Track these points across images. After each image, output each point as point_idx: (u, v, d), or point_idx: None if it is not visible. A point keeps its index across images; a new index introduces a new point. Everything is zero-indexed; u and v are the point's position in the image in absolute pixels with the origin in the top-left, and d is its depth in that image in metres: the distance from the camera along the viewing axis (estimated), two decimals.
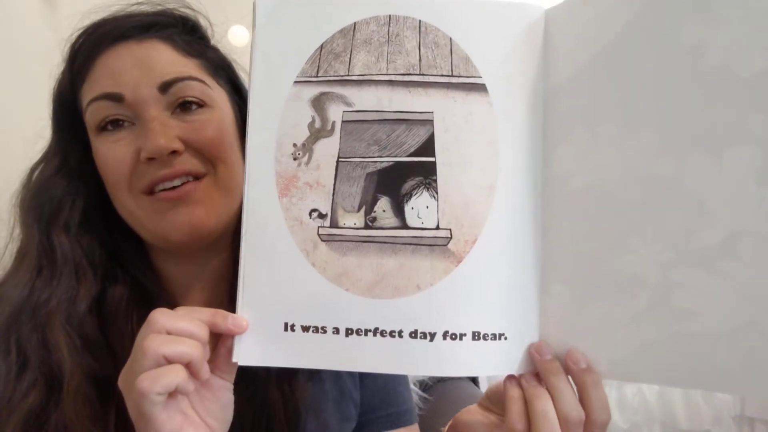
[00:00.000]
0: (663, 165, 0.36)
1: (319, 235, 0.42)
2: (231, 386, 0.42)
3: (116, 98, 0.49)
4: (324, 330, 0.41)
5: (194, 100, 0.51)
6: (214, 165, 0.52)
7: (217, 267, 0.56)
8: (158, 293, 0.54)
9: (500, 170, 0.42)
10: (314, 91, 0.43)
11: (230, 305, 0.59)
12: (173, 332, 0.38)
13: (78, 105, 0.53)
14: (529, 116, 0.42)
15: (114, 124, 0.50)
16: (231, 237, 0.55)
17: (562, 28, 0.41)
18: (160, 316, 0.38)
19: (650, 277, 0.36)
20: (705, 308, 0.35)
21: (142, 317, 0.47)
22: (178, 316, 0.39)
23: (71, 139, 0.53)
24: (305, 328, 0.41)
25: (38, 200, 0.52)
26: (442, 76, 0.42)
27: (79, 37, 0.52)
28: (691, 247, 0.35)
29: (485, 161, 0.42)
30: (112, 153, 0.50)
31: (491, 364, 0.41)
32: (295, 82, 0.43)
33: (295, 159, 0.43)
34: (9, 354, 0.48)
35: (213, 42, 0.59)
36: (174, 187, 0.50)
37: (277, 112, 0.43)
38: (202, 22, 0.57)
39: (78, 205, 0.52)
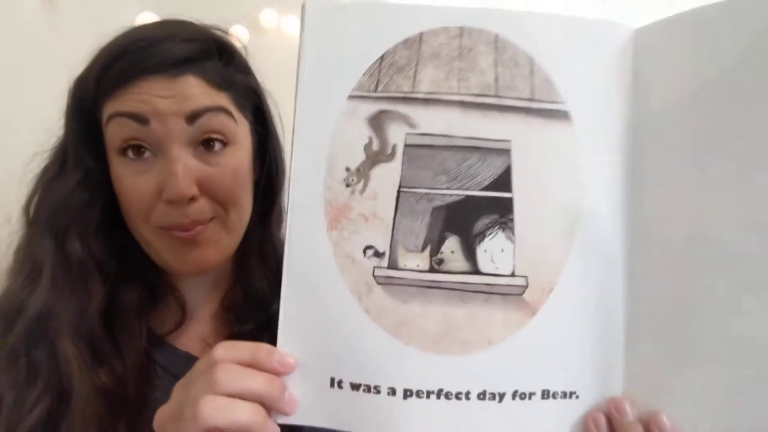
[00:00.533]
0: None
1: (374, 276, 0.36)
2: None
3: (142, 120, 0.48)
4: (378, 390, 0.35)
5: (218, 137, 0.51)
6: (226, 209, 0.52)
7: (215, 275, 0.59)
8: (168, 296, 0.56)
9: (584, 210, 0.37)
10: (372, 108, 0.37)
11: (228, 315, 0.57)
12: (235, 393, 0.33)
13: (98, 117, 0.51)
14: (617, 150, 0.37)
15: (136, 151, 0.50)
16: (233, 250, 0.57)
17: (658, 49, 0.37)
18: (224, 374, 0.33)
19: (764, 342, 0.32)
20: None
21: (153, 319, 0.54)
22: (243, 375, 0.34)
23: (90, 150, 0.52)
24: (355, 386, 0.35)
25: (57, 212, 0.52)
26: (521, 99, 0.37)
27: (115, 56, 0.50)
28: None
29: (568, 200, 0.37)
30: (135, 186, 0.50)
31: (559, 426, 0.36)
32: (350, 96, 0.37)
33: (348, 186, 0.36)
34: (19, 364, 0.48)
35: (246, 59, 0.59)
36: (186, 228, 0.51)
37: (328, 130, 0.37)
38: (238, 46, 0.57)
39: (94, 217, 0.52)
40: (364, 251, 0.36)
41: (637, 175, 0.37)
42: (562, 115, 0.37)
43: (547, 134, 0.37)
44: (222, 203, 0.52)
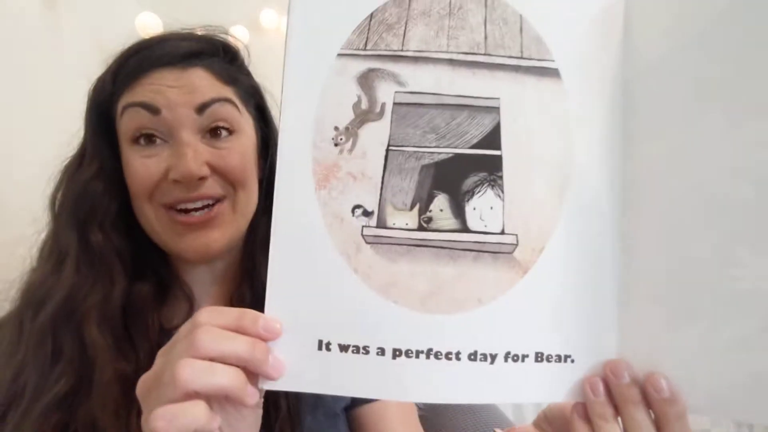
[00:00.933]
0: None
1: (363, 236, 0.35)
2: (261, 402, 0.35)
3: (153, 110, 0.51)
4: (366, 350, 0.34)
5: (225, 126, 0.54)
6: (235, 189, 0.55)
7: (222, 268, 0.60)
8: (177, 290, 0.57)
9: (574, 168, 0.36)
10: (361, 66, 0.36)
11: (238, 304, 0.57)
12: (216, 357, 0.32)
13: (113, 113, 0.54)
14: (607, 106, 0.37)
15: (147, 139, 0.52)
16: (239, 240, 0.58)
17: (650, 1, 0.36)
18: (204, 335, 0.32)
19: (764, 294, 0.31)
20: None
21: (163, 313, 0.56)
22: (224, 337, 0.33)
23: (106, 145, 0.55)
24: (343, 348, 0.34)
25: (78, 203, 0.54)
26: (510, 57, 0.37)
27: (129, 53, 0.55)
28: None
29: (558, 157, 0.36)
30: (143, 167, 0.52)
31: (556, 391, 0.36)
32: (339, 54, 0.36)
33: (336, 145, 0.36)
34: (45, 345, 0.50)
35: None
36: (194, 209, 0.53)
37: (316, 88, 0.36)
38: (241, 49, 0.61)
39: (112, 207, 0.54)
40: (353, 210, 0.35)
41: (628, 131, 0.37)
42: (552, 73, 0.37)
43: (537, 92, 0.37)
44: (232, 182, 0.54)
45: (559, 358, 0.36)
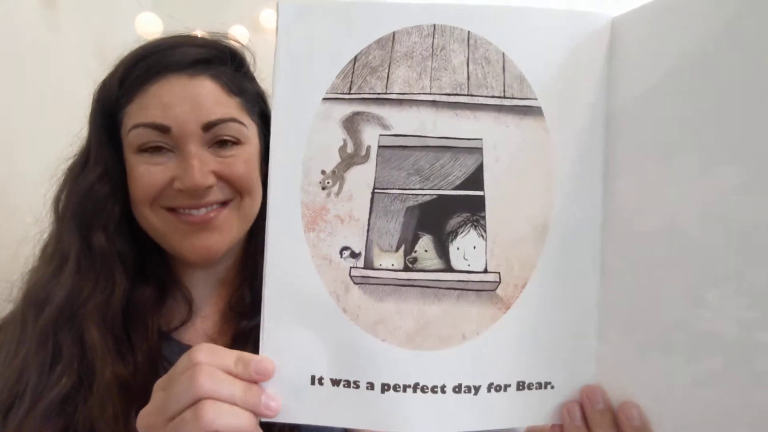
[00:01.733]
0: (751, 208, 0.31)
1: (351, 276, 0.37)
2: None
3: (163, 130, 0.52)
4: (357, 385, 0.36)
5: (231, 139, 0.54)
6: (241, 195, 0.56)
7: (222, 271, 0.61)
8: (176, 293, 0.58)
9: (555, 206, 0.37)
10: (346, 110, 0.37)
11: (233, 313, 0.59)
12: (215, 398, 0.34)
13: (118, 118, 0.55)
14: (589, 144, 0.37)
15: (154, 149, 0.53)
16: (240, 243, 0.60)
17: (633, 39, 0.36)
18: (205, 378, 0.34)
19: (728, 335, 0.33)
20: None
21: (162, 316, 0.56)
22: (222, 380, 0.34)
23: (110, 148, 0.56)
24: (335, 382, 0.36)
25: (82, 205, 0.55)
26: (493, 97, 0.37)
27: (136, 58, 0.54)
28: None
29: (539, 195, 0.37)
30: (148, 174, 0.53)
31: (536, 415, 0.38)
32: (324, 98, 0.37)
33: (323, 188, 0.37)
34: (46, 347, 0.50)
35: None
36: (197, 208, 0.53)
37: (303, 133, 0.37)
38: (248, 56, 0.61)
39: (116, 210, 0.55)
40: (341, 252, 0.37)
41: (608, 168, 0.37)
42: (534, 111, 0.37)
43: (519, 131, 0.37)
44: (238, 189, 0.55)
45: (540, 385, 0.37)
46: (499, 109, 0.37)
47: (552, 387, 0.37)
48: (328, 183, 0.37)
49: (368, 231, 0.37)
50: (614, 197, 0.37)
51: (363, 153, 0.37)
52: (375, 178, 0.37)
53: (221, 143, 0.54)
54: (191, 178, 0.51)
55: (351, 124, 0.37)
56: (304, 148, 0.37)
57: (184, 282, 0.59)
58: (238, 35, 0.62)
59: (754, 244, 0.31)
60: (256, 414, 0.35)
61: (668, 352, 0.35)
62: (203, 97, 0.53)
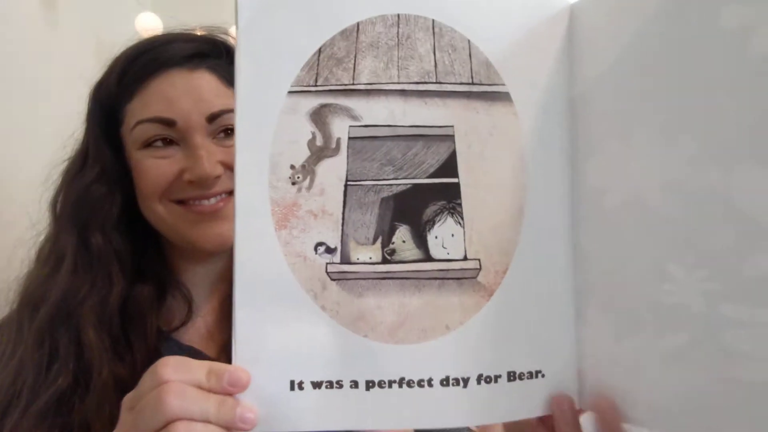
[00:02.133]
0: (707, 176, 0.31)
1: (328, 273, 0.35)
2: None
3: (168, 123, 0.53)
4: (340, 385, 0.35)
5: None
6: None
7: (221, 269, 0.60)
8: (175, 292, 0.57)
9: (529, 190, 0.37)
10: (313, 102, 0.36)
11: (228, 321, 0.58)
12: (184, 418, 0.31)
13: (118, 116, 0.55)
14: (555, 127, 0.38)
15: (161, 143, 0.54)
16: None
17: (589, 20, 0.37)
18: (173, 399, 0.31)
19: (693, 309, 0.32)
20: (762, 352, 0.30)
21: (161, 316, 0.55)
22: (191, 398, 0.32)
23: (108, 147, 0.56)
24: (316, 385, 0.35)
25: (79, 205, 0.55)
26: (461, 84, 0.37)
27: (134, 54, 0.55)
28: (744, 275, 0.31)
29: (513, 179, 0.37)
30: (156, 167, 0.53)
31: (529, 406, 0.37)
32: (290, 92, 0.36)
33: (294, 183, 0.36)
34: (42, 346, 0.50)
35: None
36: (206, 198, 0.54)
37: (269, 128, 0.36)
38: None
39: (114, 210, 0.55)
40: (316, 248, 0.36)
41: (576, 148, 0.37)
42: (503, 97, 0.37)
43: (489, 117, 0.37)
44: None
45: (530, 375, 0.37)
46: (468, 95, 0.37)
47: (543, 375, 0.37)
48: (299, 178, 0.36)
49: (343, 225, 0.36)
50: (583, 178, 0.37)
51: (333, 146, 0.36)
52: (347, 171, 0.36)
53: (225, 133, 0.55)
54: (201, 168, 0.52)
55: (319, 117, 0.36)
56: (271, 144, 0.36)
57: (183, 281, 0.59)
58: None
59: (707, 213, 0.31)
60: (231, 429, 0.33)
61: (639, 329, 0.34)
62: (205, 89, 0.54)
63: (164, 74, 0.54)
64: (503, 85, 0.37)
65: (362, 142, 0.36)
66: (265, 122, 0.36)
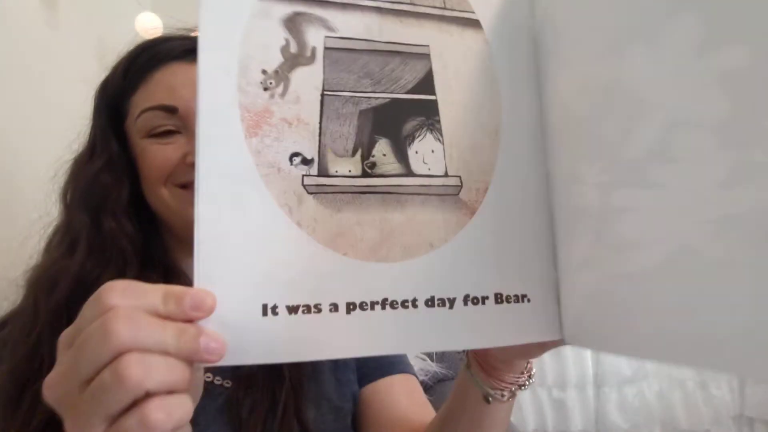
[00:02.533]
0: (606, 68, 0.31)
1: (304, 185, 0.32)
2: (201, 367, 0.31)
3: (171, 110, 0.54)
4: (318, 308, 0.31)
5: None
6: None
7: None
8: (178, 282, 0.55)
9: (504, 112, 0.37)
10: (287, 9, 0.34)
11: None
12: (136, 350, 0.26)
13: (123, 109, 0.58)
14: (524, 52, 0.39)
15: (164, 133, 0.55)
16: None
17: None
18: (121, 326, 0.26)
19: (593, 205, 0.32)
20: (645, 235, 0.28)
21: None
22: (144, 326, 0.27)
23: (113, 138, 0.57)
24: (292, 309, 0.31)
25: (89, 192, 0.56)
26: (434, 7, 0.37)
27: (138, 51, 0.58)
28: (626, 158, 0.29)
29: (489, 102, 0.37)
30: (161, 152, 0.54)
31: (517, 332, 0.35)
32: None
33: (266, 89, 0.33)
34: (60, 322, 0.49)
35: None
36: None
37: (238, 29, 0.33)
38: None
39: (123, 196, 0.56)
40: (291, 159, 0.32)
41: (541, 68, 0.39)
42: (473, 23, 0.38)
43: (462, 40, 0.37)
44: None
45: (517, 299, 0.36)
46: (441, 18, 0.37)
47: (528, 300, 0.36)
48: (271, 84, 0.33)
49: (320, 135, 0.33)
50: (548, 96, 0.38)
51: (308, 54, 0.34)
52: (323, 80, 0.34)
53: None
54: None
55: (293, 24, 0.34)
56: (239, 47, 0.33)
57: (186, 271, 0.58)
58: None
59: (606, 105, 0.31)
60: (195, 361, 0.28)
61: (570, 240, 0.35)
62: None
63: (166, 67, 0.56)
64: (473, 12, 0.38)
65: (339, 53, 0.35)
66: (233, 26, 0.33)
